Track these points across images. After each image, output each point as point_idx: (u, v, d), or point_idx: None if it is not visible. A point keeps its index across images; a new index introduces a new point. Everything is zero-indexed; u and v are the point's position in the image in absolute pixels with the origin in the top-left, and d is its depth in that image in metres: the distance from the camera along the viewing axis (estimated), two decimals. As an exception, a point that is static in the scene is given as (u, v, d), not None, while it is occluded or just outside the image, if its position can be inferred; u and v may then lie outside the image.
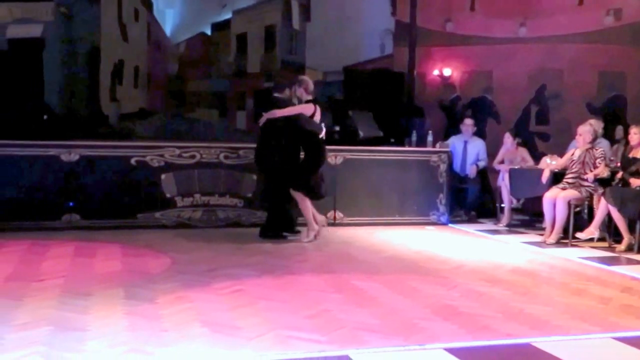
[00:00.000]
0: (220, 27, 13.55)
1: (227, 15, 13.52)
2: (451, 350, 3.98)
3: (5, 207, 7.78)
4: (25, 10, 12.01)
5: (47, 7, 12.11)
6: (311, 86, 7.54)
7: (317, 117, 7.44)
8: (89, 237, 7.50)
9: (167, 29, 13.43)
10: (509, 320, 4.70)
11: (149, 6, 13.20)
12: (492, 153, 10.34)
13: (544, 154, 9.73)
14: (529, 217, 9.87)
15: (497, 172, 9.88)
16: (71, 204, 7.94)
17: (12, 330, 4.16)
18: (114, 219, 8.09)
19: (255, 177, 8.52)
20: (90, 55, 12.29)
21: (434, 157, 9.31)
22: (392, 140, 10.12)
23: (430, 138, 9.61)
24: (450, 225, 9.30)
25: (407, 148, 9.57)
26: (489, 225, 9.60)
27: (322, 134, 7.47)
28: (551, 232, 8.14)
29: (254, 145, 7.88)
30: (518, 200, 9.61)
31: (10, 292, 5.07)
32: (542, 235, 8.40)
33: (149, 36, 13.24)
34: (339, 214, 8.89)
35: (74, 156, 7.99)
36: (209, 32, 13.56)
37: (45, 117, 8.36)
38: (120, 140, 11.26)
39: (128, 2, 12.87)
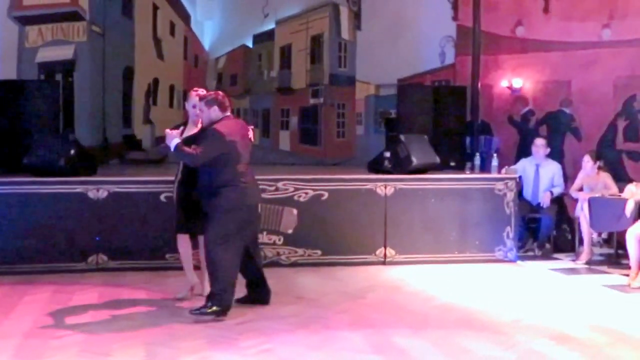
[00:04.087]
0: (263, 38, 13.46)
1: (270, 26, 13.42)
2: None
3: (28, 249, 7.89)
4: (55, 32, 12.16)
5: (78, 26, 12.22)
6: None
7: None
8: (115, 281, 7.60)
9: (206, 42, 13.44)
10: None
11: (186, 19, 13.26)
12: (572, 175, 10.02)
13: (631, 180, 9.21)
14: (615, 250, 9.34)
15: (576, 200, 9.45)
16: (97, 238, 7.98)
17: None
18: (142, 259, 8.08)
19: (295, 211, 8.38)
20: (123, 76, 12.44)
21: (499, 185, 8.99)
22: (452, 164, 9.81)
23: (495, 163, 9.31)
24: (519, 262, 9.00)
25: (467, 175, 9.27)
26: (565, 262, 9.24)
27: None
28: (637, 273, 7.71)
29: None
30: (599, 234, 9.15)
31: (28, 351, 5.20)
32: (627, 276, 7.95)
33: (186, 51, 13.33)
34: (390, 251, 8.68)
35: (102, 193, 8.02)
36: (250, 44, 13.50)
37: (72, 152, 8.35)
38: (154, 167, 11.26)
39: (163, 15, 12.94)
